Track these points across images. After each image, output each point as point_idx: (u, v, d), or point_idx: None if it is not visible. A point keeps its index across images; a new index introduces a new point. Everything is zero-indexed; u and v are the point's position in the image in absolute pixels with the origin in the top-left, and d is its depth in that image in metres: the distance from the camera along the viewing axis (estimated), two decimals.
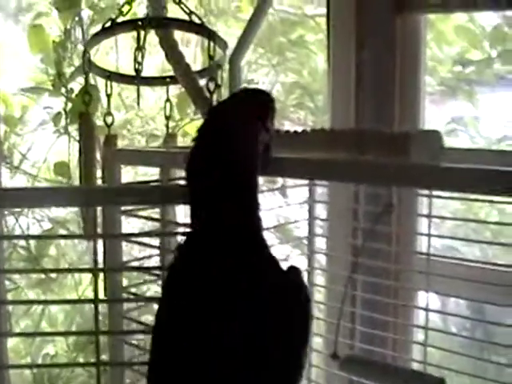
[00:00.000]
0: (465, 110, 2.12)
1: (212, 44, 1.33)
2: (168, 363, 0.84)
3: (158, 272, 1.14)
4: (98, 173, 1.31)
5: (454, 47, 2.09)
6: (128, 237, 1.23)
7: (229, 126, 0.85)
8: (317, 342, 1.44)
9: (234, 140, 0.85)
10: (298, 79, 2.46)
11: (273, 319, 0.82)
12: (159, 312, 0.89)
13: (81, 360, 1.98)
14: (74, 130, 1.90)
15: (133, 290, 1.26)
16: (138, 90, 1.36)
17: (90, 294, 1.36)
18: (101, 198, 1.02)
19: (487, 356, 1.21)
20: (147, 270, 1.09)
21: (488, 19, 2.02)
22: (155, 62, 2.04)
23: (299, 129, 1.16)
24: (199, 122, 0.91)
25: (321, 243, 1.44)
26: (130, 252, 1.60)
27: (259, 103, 0.90)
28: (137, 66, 1.35)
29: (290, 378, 0.85)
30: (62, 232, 2.06)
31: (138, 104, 1.41)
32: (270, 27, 2.51)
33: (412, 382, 1.15)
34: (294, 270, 0.87)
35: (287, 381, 0.85)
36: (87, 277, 1.97)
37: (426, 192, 1.26)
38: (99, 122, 1.45)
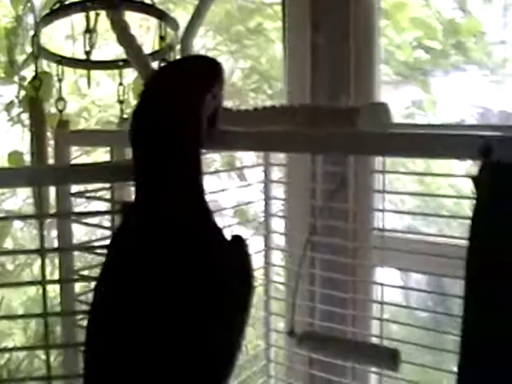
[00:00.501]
0: (422, 94, 2.15)
1: (163, 25, 1.31)
2: (103, 340, 0.81)
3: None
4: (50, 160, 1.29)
5: (412, 32, 2.11)
6: (77, 216, 1.20)
7: (170, 89, 0.83)
8: (277, 322, 1.44)
9: (177, 103, 0.82)
10: (256, 65, 2.45)
11: (213, 290, 0.79)
12: (98, 285, 0.86)
13: (42, 355, 1.94)
14: (27, 118, 1.86)
15: (85, 272, 1.23)
16: (89, 74, 1.34)
17: (50, 288, 1.34)
18: (49, 176, 0.98)
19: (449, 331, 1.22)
20: (94, 248, 1.06)
21: (443, 11, 2.06)
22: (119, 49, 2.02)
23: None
24: None
25: (279, 223, 1.44)
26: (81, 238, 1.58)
27: (205, 68, 0.87)
28: (87, 48, 1.33)
29: (229, 351, 0.82)
30: (17, 224, 2.03)
31: (89, 87, 1.39)
32: (228, 15, 2.50)
33: (366, 354, 1.16)
34: (237, 239, 0.84)
35: (227, 354, 0.82)
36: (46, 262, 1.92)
37: (379, 168, 1.27)
38: (54, 110, 1.42)
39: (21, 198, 2.23)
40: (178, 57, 1.39)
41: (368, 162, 1.35)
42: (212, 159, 2.09)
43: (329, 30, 1.42)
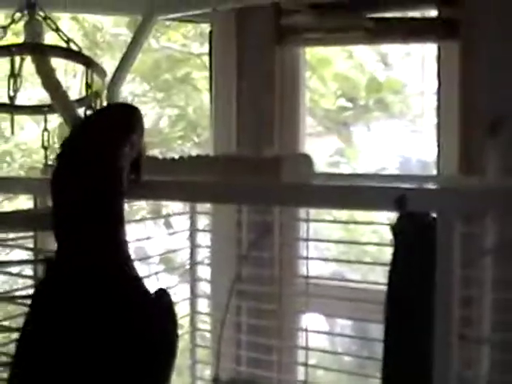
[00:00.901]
0: (345, 144, 2.21)
1: (90, 72, 1.31)
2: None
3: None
4: None
5: (336, 83, 2.18)
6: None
7: (90, 139, 0.83)
8: (203, 370, 1.42)
9: (95, 153, 0.82)
10: (183, 113, 2.47)
11: (136, 342, 0.79)
12: (20, 339, 0.84)
13: None
14: None
15: (5, 323, 1.20)
16: (12, 119, 1.31)
17: None
18: None
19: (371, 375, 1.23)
20: (16, 298, 1.03)
21: (366, 64, 2.15)
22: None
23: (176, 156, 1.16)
24: None
25: (205, 271, 1.43)
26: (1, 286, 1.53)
27: (122, 118, 0.88)
28: (11, 93, 1.31)
29: None
30: None
31: (12, 132, 1.36)
32: (156, 63, 2.52)
33: None
34: (162, 292, 0.84)
35: None
36: None
37: (303, 217, 1.29)
38: None
39: None
40: (105, 103, 1.39)
41: (293, 210, 1.36)
42: (139, 207, 2.08)
43: (254, 80, 1.45)
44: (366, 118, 2.17)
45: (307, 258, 1.29)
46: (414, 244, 0.85)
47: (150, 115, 2.43)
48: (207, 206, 1.47)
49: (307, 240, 1.28)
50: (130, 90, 2.44)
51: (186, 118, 2.45)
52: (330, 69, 2.14)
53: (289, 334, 1.35)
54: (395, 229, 0.86)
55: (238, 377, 1.31)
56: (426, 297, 0.81)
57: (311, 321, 1.36)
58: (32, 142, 2.20)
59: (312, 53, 1.94)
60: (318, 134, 2.20)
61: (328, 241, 1.54)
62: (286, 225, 1.37)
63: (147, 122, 2.37)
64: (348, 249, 1.77)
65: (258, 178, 1.03)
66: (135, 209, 2.08)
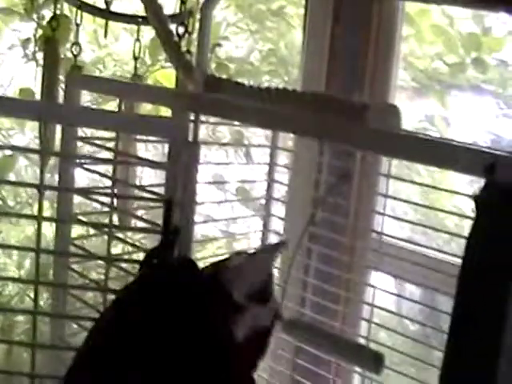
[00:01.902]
0: (436, 110, 2.10)
1: None
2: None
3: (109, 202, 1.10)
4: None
5: (432, 47, 2.07)
6: (80, 159, 1.18)
7: None
8: None
9: None
10: (274, 48, 2.41)
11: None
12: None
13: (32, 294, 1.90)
14: (42, 58, 1.83)
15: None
16: (106, 24, 1.32)
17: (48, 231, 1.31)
18: (56, 114, 0.96)
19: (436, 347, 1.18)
20: (93, 194, 1.04)
21: (465, 25, 2.02)
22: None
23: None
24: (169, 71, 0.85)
25: (280, 209, 1.40)
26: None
27: None
28: None
29: None
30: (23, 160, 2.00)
31: (105, 36, 1.38)
32: None
33: (350, 352, 1.14)
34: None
35: None
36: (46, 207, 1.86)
37: (385, 172, 1.23)
38: (69, 54, 1.39)
39: (28, 136, 2.19)
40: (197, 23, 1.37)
41: (375, 163, 1.31)
42: (223, 134, 2.06)
43: (350, 24, 1.37)
44: (462, 80, 2.05)
45: (383, 214, 1.24)
46: (498, 216, 0.78)
47: (241, 46, 2.39)
48: (289, 143, 1.44)
49: (386, 196, 1.23)
50: (224, 17, 2.39)
51: (278, 53, 2.39)
52: (427, 21, 2.01)
53: (357, 287, 1.31)
54: (478, 199, 0.80)
55: (299, 318, 1.28)
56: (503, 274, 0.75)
57: (380, 280, 1.31)
58: (125, 53, 2.18)
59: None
60: (410, 92, 2.11)
61: (408, 201, 1.46)
62: (366, 176, 1.31)
63: (239, 53, 2.36)
64: (426, 218, 1.70)
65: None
66: (220, 135, 2.06)
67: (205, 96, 1.13)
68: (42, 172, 1.00)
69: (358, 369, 1.24)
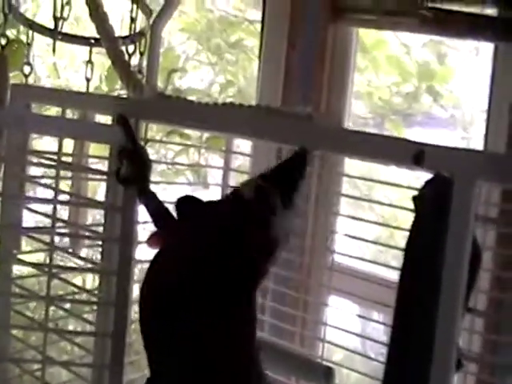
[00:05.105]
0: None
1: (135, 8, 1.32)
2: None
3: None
4: None
5: (389, 77, 2.08)
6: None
7: None
8: None
9: None
10: (233, 80, 2.42)
11: None
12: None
13: None
14: None
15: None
16: (54, 42, 1.32)
17: None
18: None
19: None
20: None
21: (419, 54, 2.03)
22: None
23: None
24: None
25: None
26: None
27: None
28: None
29: None
30: None
31: (54, 53, 1.38)
32: (209, 24, 2.46)
33: (300, 368, 1.15)
34: None
35: None
36: None
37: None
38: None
39: None
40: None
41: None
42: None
43: (304, 50, 1.37)
44: (416, 110, 2.06)
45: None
46: (432, 210, 0.81)
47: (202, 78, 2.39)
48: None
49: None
50: (183, 50, 2.40)
51: (237, 84, 2.39)
52: (382, 51, 2.02)
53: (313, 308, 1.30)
54: (417, 199, 0.84)
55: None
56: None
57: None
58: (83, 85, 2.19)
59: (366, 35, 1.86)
60: (369, 125, 2.11)
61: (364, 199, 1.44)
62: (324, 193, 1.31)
63: (199, 85, 2.34)
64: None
65: None
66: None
67: (145, 102, 1.13)
68: None
69: None
